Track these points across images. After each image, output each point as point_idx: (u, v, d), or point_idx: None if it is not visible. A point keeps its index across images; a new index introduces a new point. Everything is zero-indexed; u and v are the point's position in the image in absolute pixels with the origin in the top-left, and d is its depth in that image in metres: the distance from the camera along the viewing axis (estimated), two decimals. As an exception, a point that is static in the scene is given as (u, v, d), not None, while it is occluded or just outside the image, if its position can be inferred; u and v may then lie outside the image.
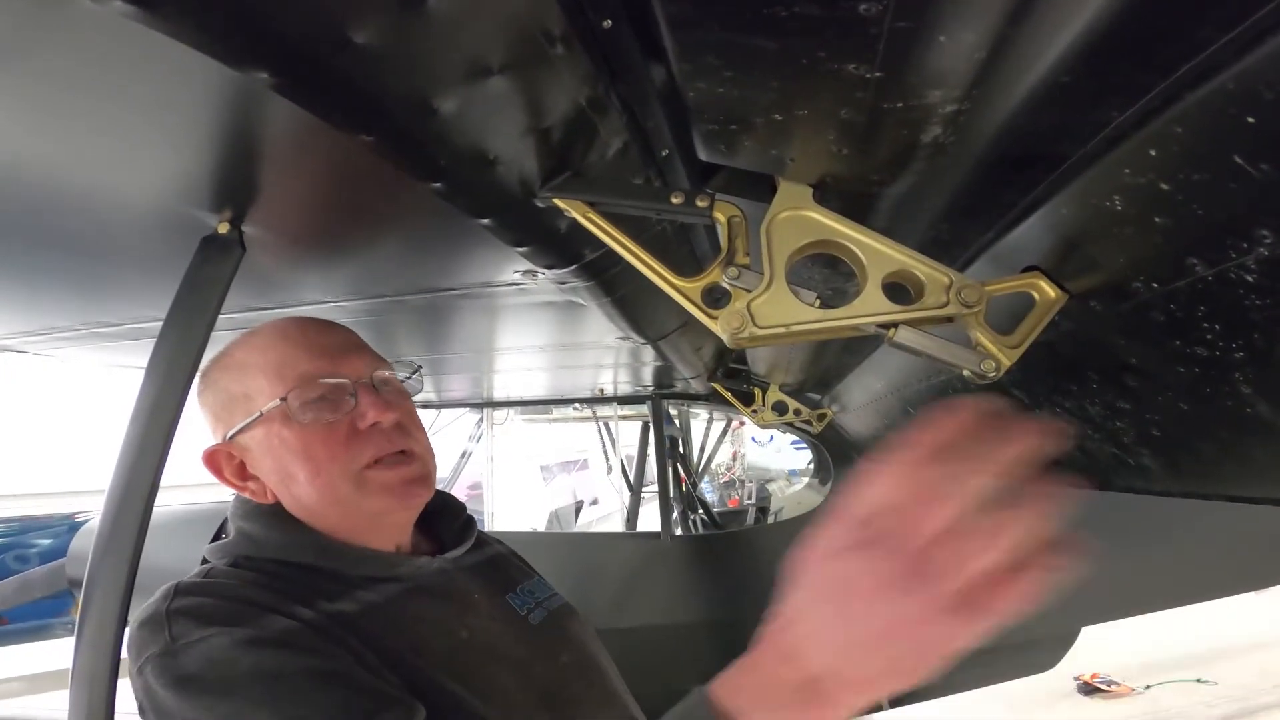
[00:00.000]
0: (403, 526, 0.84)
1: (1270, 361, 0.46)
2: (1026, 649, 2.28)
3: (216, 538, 2.34)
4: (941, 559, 0.41)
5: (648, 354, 1.63)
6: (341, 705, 0.61)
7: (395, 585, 0.77)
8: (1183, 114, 0.34)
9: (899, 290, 0.53)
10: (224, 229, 0.68)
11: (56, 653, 4.12)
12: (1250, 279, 0.40)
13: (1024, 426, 0.43)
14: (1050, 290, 0.54)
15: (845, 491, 0.47)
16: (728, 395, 2.25)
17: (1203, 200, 0.38)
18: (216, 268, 0.69)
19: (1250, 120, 0.31)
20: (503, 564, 0.96)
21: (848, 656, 0.45)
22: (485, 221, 0.64)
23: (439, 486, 0.89)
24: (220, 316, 1.05)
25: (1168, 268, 0.44)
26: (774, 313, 0.52)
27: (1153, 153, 0.37)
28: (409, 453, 0.79)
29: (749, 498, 6.78)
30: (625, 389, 2.65)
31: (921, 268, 0.52)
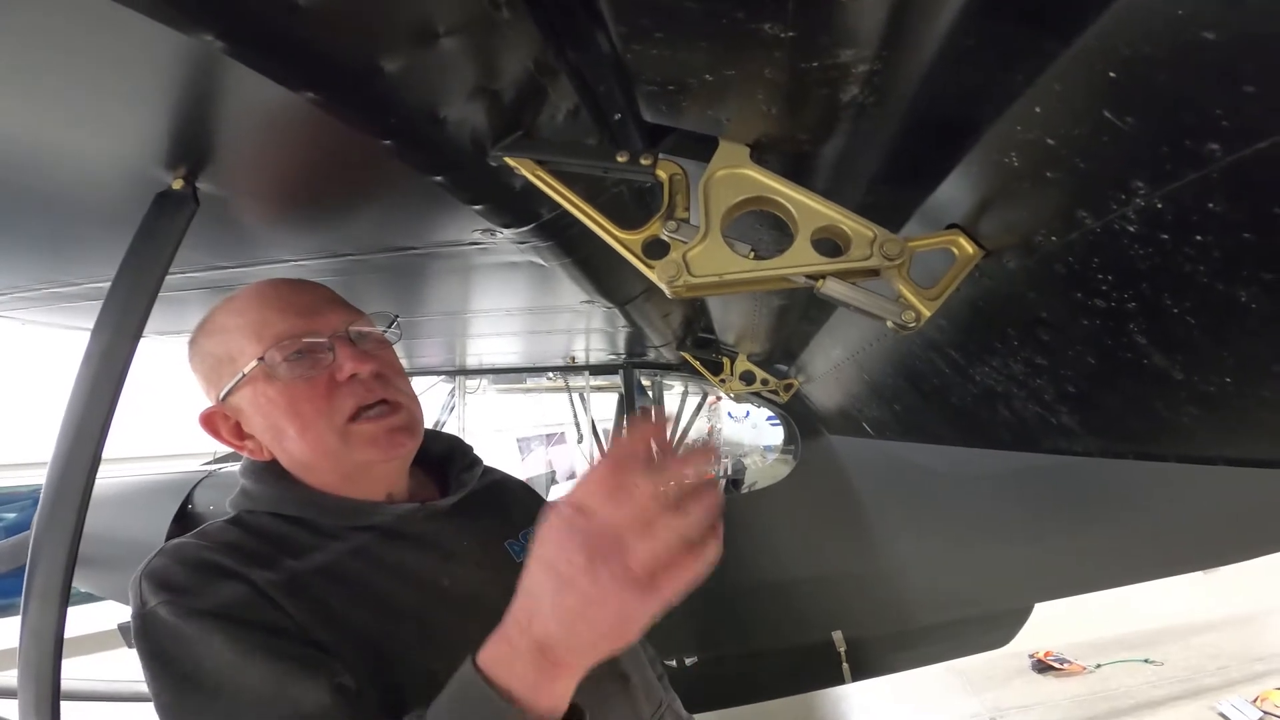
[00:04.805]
0: (394, 475, 0.84)
1: (1158, 310, 0.50)
2: (982, 624, 2.37)
3: (182, 508, 2.30)
4: (630, 542, 0.51)
5: (618, 320, 1.65)
6: (256, 680, 0.63)
7: (371, 534, 0.78)
8: (1059, 71, 0.37)
9: (828, 245, 0.57)
10: (178, 185, 0.69)
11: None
12: (1132, 229, 0.44)
13: (691, 449, 0.54)
14: (968, 246, 0.58)
15: (570, 487, 0.57)
16: (696, 364, 2.29)
17: (1084, 154, 0.41)
18: (170, 221, 0.69)
19: (1112, 75, 0.34)
20: (510, 507, 0.95)
21: (564, 623, 0.53)
22: (439, 179, 0.66)
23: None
24: (181, 276, 1.05)
25: (1062, 221, 0.48)
26: (709, 263, 0.55)
27: (1038, 109, 0.41)
28: (391, 402, 0.80)
29: (723, 473, 6.86)
30: (598, 357, 2.67)
31: (848, 223, 0.55)
